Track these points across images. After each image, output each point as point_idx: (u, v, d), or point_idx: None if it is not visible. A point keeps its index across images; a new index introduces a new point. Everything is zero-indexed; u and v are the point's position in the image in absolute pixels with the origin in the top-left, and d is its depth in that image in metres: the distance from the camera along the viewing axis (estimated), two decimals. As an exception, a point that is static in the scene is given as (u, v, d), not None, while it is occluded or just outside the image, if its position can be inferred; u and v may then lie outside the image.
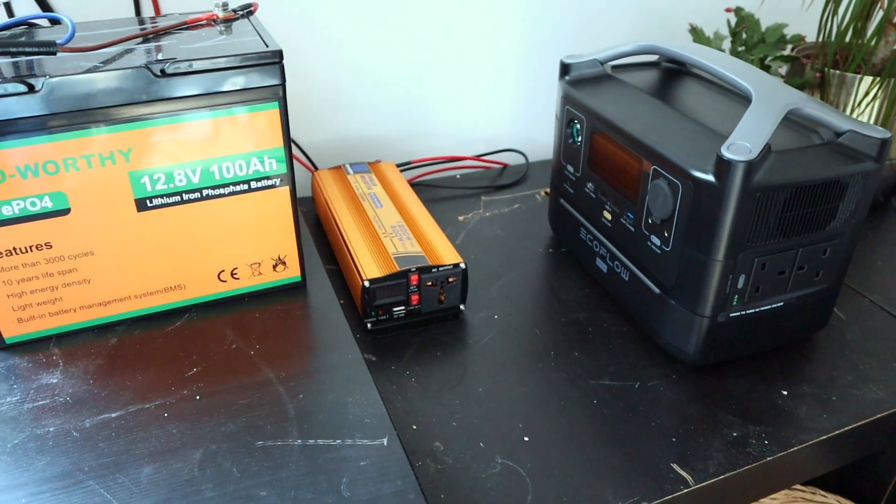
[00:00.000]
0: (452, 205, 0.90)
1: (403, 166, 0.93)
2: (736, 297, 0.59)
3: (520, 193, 0.93)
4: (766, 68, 0.86)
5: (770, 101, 0.58)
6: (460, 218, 0.86)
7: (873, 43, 0.82)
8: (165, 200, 0.58)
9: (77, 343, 0.60)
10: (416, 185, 0.92)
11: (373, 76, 0.93)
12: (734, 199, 0.54)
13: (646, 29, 1.04)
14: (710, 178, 0.55)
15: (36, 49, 0.51)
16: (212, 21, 0.63)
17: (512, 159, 1.01)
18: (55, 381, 0.56)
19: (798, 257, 0.59)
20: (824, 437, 0.58)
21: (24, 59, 0.54)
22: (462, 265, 0.66)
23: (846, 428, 0.59)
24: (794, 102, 0.58)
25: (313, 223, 0.84)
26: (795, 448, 0.57)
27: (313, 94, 0.90)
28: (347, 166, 0.84)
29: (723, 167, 0.54)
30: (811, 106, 0.59)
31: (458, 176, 0.97)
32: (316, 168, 0.88)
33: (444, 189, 0.93)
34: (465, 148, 1.01)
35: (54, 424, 0.52)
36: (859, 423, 0.59)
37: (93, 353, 0.59)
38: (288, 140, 0.59)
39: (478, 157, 0.98)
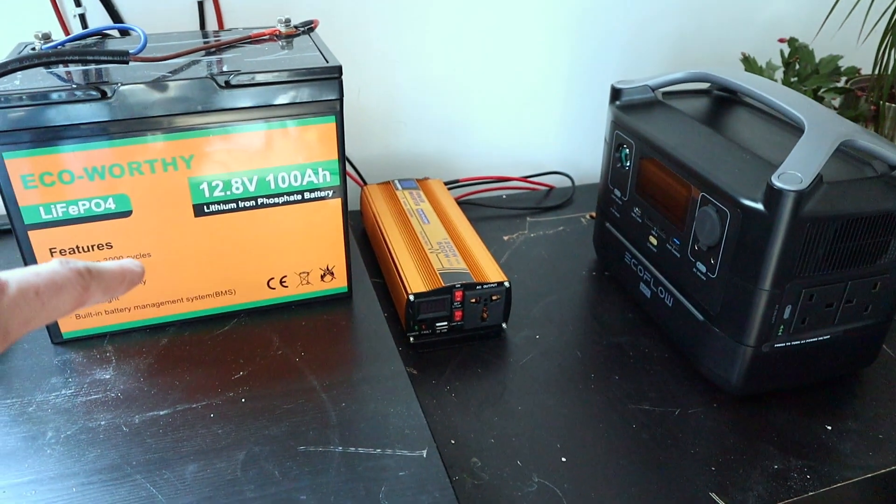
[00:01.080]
0: (498, 224, 0.91)
1: (451, 184, 0.94)
2: (781, 327, 0.59)
3: (565, 216, 0.93)
4: (820, 100, 0.85)
5: (823, 131, 0.57)
6: (505, 237, 0.87)
7: (931, 78, 0.81)
8: (222, 207, 0.60)
9: (130, 341, 0.62)
10: (462, 204, 0.93)
11: (424, 95, 0.95)
12: (783, 228, 0.54)
13: (694, 56, 1.04)
14: (760, 206, 0.55)
15: (109, 57, 0.53)
16: (274, 36, 0.65)
17: (558, 182, 1.01)
18: (108, 376, 0.58)
19: (847, 290, 0.59)
20: (869, 476, 0.57)
21: (97, 66, 0.56)
22: (506, 283, 0.67)
23: (893, 467, 0.57)
24: (848, 134, 0.58)
25: (360, 236, 0.85)
26: (839, 484, 0.56)
27: (365, 110, 0.92)
28: (396, 182, 0.85)
29: (773, 196, 0.53)
30: (865, 138, 0.58)
31: (504, 196, 0.98)
32: (365, 183, 0.90)
33: (490, 208, 0.94)
34: (512, 169, 1.02)
35: (105, 418, 0.54)
36: (907, 464, 0.58)
37: (144, 352, 0.61)
38: (342, 153, 0.61)
39: (524, 179, 0.99)
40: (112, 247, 0.59)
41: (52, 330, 0.61)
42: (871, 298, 0.60)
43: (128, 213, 0.58)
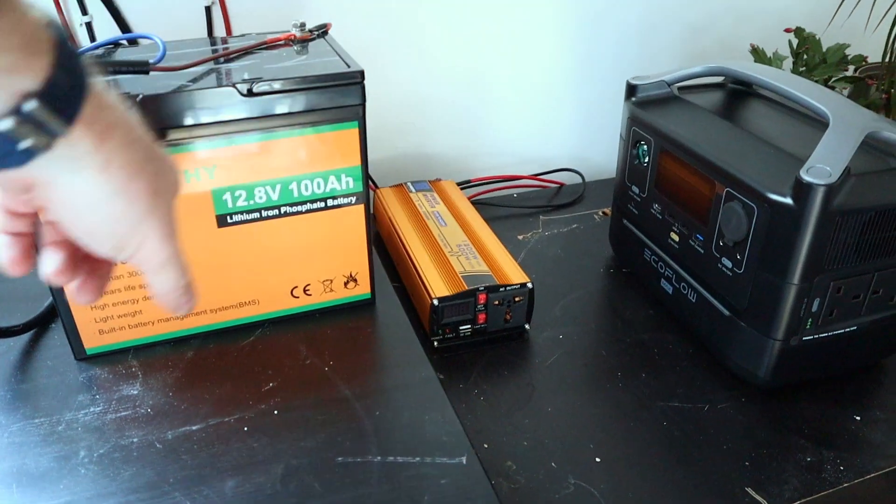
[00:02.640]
0: (511, 223, 0.90)
1: (462, 184, 0.93)
2: (810, 320, 0.59)
3: (578, 213, 0.93)
4: (830, 88, 0.85)
5: (848, 124, 0.57)
6: (520, 237, 0.87)
7: (940, 65, 0.81)
8: (245, 217, 0.59)
9: (154, 355, 0.61)
10: (474, 203, 0.92)
11: (431, 95, 0.94)
12: (813, 222, 0.54)
13: (703, 49, 1.04)
14: (789, 200, 0.55)
15: (131, 68, 0.53)
16: (289, 41, 0.65)
17: (568, 178, 1.01)
18: (135, 392, 0.57)
19: (874, 281, 0.59)
20: (902, 465, 0.57)
21: (118, 77, 0.55)
22: (529, 284, 0.67)
23: (924, 456, 0.58)
24: (873, 125, 0.58)
25: (374, 240, 0.85)
26: (873, 475, 0.56)
27: (375, 112, 0.91)
28: (409, 185, 0.85)
29: (802, 190, 0.53)
30: (890, 129, 0.58)
31: (515, 195, 0.98)
32: (377, 186, 0.89)
33: (502, 208, 0.94)
34: (522, 166, 1.01)
35: (137, 435, 0.53)
36: (937, 452, 0.58)
37: (170, 366, 0.60)
38: (365, 159, 0.60)
39: (534, 177, 0.99)
40: (135, 260, 0.58)
41: (75, 345, 0.60)
42: (896, 288, 0.60)
43: (150, 226, 0.57)
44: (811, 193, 0.53)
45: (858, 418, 0.61)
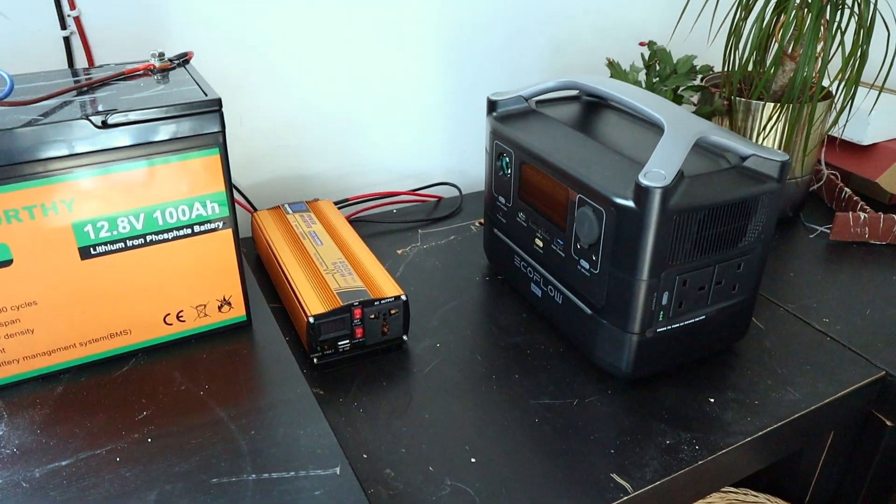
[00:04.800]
0: (391, 239, 0.92)
1: (341, 203, 0.95)
2: (661, 313, 0.63)
3: (455, 225, 0.96)
4: (679, 98, 0.92)
5: (680, 130, 0.62)
6: (399, 251, 0.89)
7: (772, 72, 0.89)
8: (109, 248, 0.59)
9: (21, 394, 0.60)
10: (354, 222, 0.94)
11: (306, 117, 0.95)
12: (653, 222, 0.58)
13: (567, 62, 1.10)
14: (631, 203, 0.59)
15: (-26, 105, 0.52)
16: (149, 71, 0.65)
17: (446, 192, 1.04)
18: (0, 433, 0.56)
19: (715, 273, 0.64)
20: (749, 439, 0.62)
21: (-39, 114, 0.54)
22: (403, 297, 0.69)
23: (768, 429, 0.63)
24: (702, 131, 0.63)
25: (254, 263, 0.85)
26: (724, 451, 0.61)
27: (249, 137, 0.92)
28: (286, 206, 0.86)
29: (641, 193, 0.58)
30: (717, 133, 0.64)
31: (394, 210, 1.00)
32: (255, 209, 0.90)
33: (381, 224, 0.96)
34: (400, 182, 1.04)
35: (2, 476, 0.52)
36: (780, 424, 0.63)
37: (38, 403, 0.59)
38: (229, 184, 0.61)
39: (413, 192, 1.01)
40: (-6, 298, 0.57)
41: (-66, 391, 0.58)
42: (737, 278, 0.66)
43: (8, 263, 0.56)
44: (649, 196, 0.57)
45: (713, 400, 0.66)
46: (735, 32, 0.88)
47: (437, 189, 1.04)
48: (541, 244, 0.72)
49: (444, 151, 1.07)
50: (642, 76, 0.97)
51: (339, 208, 0.88)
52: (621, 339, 0.64)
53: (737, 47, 0.89)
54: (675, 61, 0.94)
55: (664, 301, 0.63)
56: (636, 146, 0.68)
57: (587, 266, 0.66)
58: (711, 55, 0.98)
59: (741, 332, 0.71)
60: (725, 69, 0.91)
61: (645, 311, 0.63)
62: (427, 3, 0.96)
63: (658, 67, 0.94)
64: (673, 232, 0.59)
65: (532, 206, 0.72)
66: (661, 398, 0.66)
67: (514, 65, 1.06)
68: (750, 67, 0.89)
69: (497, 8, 1.01)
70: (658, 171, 0.58)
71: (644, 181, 0.58)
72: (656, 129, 0.72)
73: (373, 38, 0.95)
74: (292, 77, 0.92)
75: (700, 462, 0.59)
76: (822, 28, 0.82)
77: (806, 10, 0.83)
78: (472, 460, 0.59)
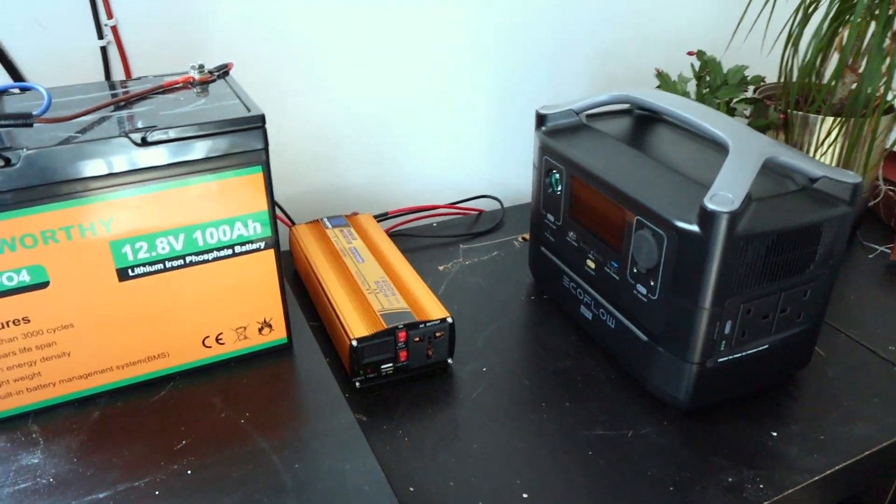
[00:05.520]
0: (431, 254, 0.90)
1: (380, 217, 0.92)
2: (723, 342, 0.60)
3: (497, 240, 0.93)
4: (732, 111, 0.88)
5: (747, 150, 0.59)
6: (440, 268, 0.86)
7: (833, 84, 0.84)
8: (148, 269, 0.56)
9: (57, 419, 0.58)
10: (393, 235, 0.91)
11: (346, 128, 0.93)
12: (719, 248, 0.55)
13: (612, 72, 1.06)
14: (695, 228, 0.56)
15: (12, 122, 0.50)
16: (188, 84, 0.63)
17: (487, 205, 1.01)
18: (36, 461, 0.54)
19: (781, 301, 0.60)
20: (817, 478, 0.58)
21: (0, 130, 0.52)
22: (449, 319, 0.66)
23: (837, 467, 0.59)
24: (770, 151, 0.60)
25: (291, 277, 0.83)
26: (790, 490, 0.57)
27: (286, 148, 0.90)
28: (325, 220, 0.83)
29: (707, 218, 0.54)
30: (785, 153, 0.60)
31: (434, 224, 0.97)
32: (293, 222, 0.87)
33: (421, 238, 0.93)
34: (440, 194, 1.01)
35: (38, 509, 0.50)
36: (849, 462, 0.60)
37: (74, 429, 0.57)
38: (272, 203, 0.59)
39: (452, 205, 0.99)
40: (30, 321, 0.55)
41: (-32, 414, 0.56)
42: (802, 306, 0.62)
43: (45, 285, 0.54)
44: (715, 221, 0.54)
45: (775, 434, 0.63)
46: (794, 42, 0.84)
47: (478, 202, 1.01)
48: (593, 266, 0.69)
49: (485, 163, 1.04)
50: (691, 87, 0.93)
51: (378, 222, 0.85)
52: (680, 369, 0.61)
53: (795, 55, 0.85)
54: (724, 71, 0.91)
55: (727, 330, 0.59)
56: (696, 165, 0.65)
57: (644, 291, 0.62)
58: (763, 65, 0.94)
59: (804, 361, 0.67)
60: (781, 80, 0.87)
61: (706, 340, 0.59)
62: (469, 11, 0.93)
63: (708, 79, 0.91)
64: (739, 259, 0.56)
65: (584, 226, 0.69)
66: (720, 431, 0.63)
67: (556, 73, 1.03)
68: (809, 79, 0.85)
69: (540, 15, 0.98)
70: (725, 194, 0.55)
71: (710, 205, 0.54)
72: (715, 146, 0.68)
73: (413, 47, 0.92)
74: (331, 86, 0.90)
75: (766, 502, 0.56)
76: (887, 39, 0.78)
77: (871, 19, 0.79)
78: (525, 496, 0.56)
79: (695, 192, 0.58)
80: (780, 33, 0.85)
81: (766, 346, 0.62)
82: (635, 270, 0.63)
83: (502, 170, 1.05)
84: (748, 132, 0.62)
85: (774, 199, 0.58)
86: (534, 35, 0.99)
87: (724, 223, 0.54)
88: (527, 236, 0.91)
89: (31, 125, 0.51)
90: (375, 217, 0.88)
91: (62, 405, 0.59)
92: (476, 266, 0.87)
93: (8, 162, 0.49)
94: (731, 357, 0.61)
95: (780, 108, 0.87)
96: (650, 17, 1.06)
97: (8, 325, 0.54)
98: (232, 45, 0.82)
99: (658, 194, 0.60)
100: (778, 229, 0.56)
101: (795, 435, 0.62)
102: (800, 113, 0.85)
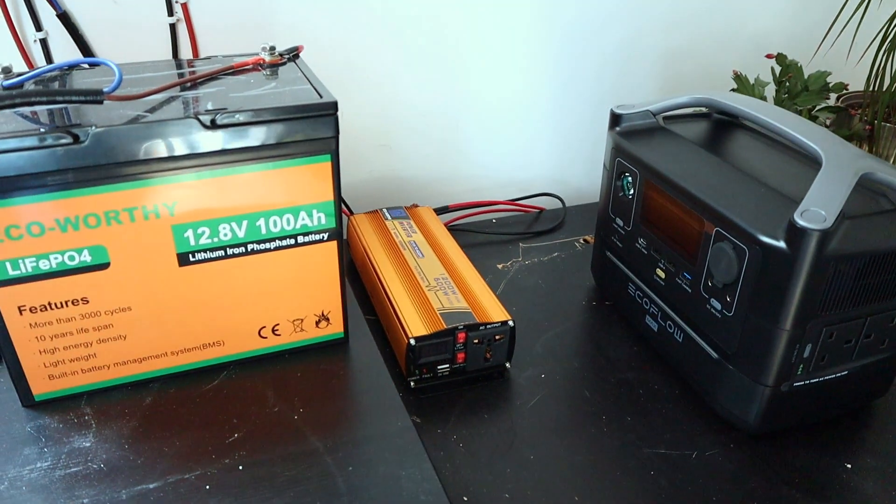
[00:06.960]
0: (490, 251, 0.87)
1: (439, 210, 0.90)
2: (801, 366, 0.57)
3: (558, 240, 0.90)
4: (813, 119, 0.84)
5: (842, 165, 0.55)
6: (499, 266, 0.84)
7: (925, 95, 0.80)
8: (209, 255, 0.55)
9: (110, 401, 0.57)
10: (451, 230, 0.89)
11: (407, 118, 0.91)
12: (807, 267, 0.52)
13: (682, 72, 1.02)
14: (782, 244, 0.52)
15: (83, 98, 0.49)
16: (258, 66, 0.61)
17: (547, 203, 0.98)
18: (88, 444, 0.53)
19: (866, 326, 0.57)
20: (896, 518, 0.55)
21: (68, 107, 0.51)
22: (510, 323, 0.64)
23: (918, 507, 0.56)
24: (867, 167, 0.56)
25: (348, 268, 0.81)
26: (868, 529, 0.54)
27: (348, 135, 0.88)
28: (385, 211, 0.81)
29: (796, 235, 0.51)
30: (883, 170, 0.56)
31: (493, 220, 0.95)
32: (351, 212, 0.86)
33: (480, 234, 0.91)
34: (500, 190, 0.98)
35: (88, 496, 0.49)
36: (931, 503, 0.56)
37: (127, 414, 0.56)
38: (338, 193, 0.57)
39: (513, 202, 0.96)
40: (88, 301, 0.54)
41: (23, 391, 0.56)
42: (888, 332, 0.58)
43: (105, 266, 0.53)
44: (806, 238, 0.51)
45: (849, 466, 0.59)
46: (889, 49, 0.79)
47: (539, 199, 0.98)
48: (663, 275, 0.66)
49: (547, 160, 1.01)
50: (769, 91, 0.89)
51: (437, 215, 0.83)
52: (752, 391, 0.58)
53: (889, 61, 0.80)
54: (805, 77, 0.86)
55: (806, 353, 0.56)
56: (783, 177, 0.61)
57: (719, 307, 0.59)
58: (846, 72, 0.89)
59: (882, 389, 0.64)
60: (871, 90, 0.83)
61: (783, 362, 0.56)
62: (537, 7, 0.90)
63: (788, 84, 0.86)
64: (827, 280, 0.52)
65: (656, 233, 0.66)
66: (790, 458, 0.59)
67: (623, 72, 0.99)
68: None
69: (611, 13, 0.94)
70: (817, 210, 0.51)
71: (801, 221, 0.51)
72: (801, 156, 0.65)
73: (479, 41, 0.89)
74: (394, 77, 0.88)
75: (840, 540, 0.53)
76: None
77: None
78: (582, 514, 0.54)
79: (782, 205, 0.55)
80: (873, 40, 0.81)
81: (846, 373, 0.59)
82: (710, 284, 0.60)
83: (564, 168, 1.02)
84: (843, 144, 0.58)
85: (867, 217, 0.55)
86: (603, 32, 0.95)
87: (814, 241, 0.51)
88: (590, 238, 0.88)
89: (101, 102, 0.49)
90: (434, 210, 0.86)
91: (116, 388, 0.58)
92: (536, 266, 0.84)
93: (77, 139, 0.48)
94: (807, 382, 0.58)
95: (867, 118, 0.82)
96: (724, 18, 1.02)
97: (67, 305, 0.53)
98: (300, 29, 0.80)
99: (741, 205, 0.57)
100: (871, 251, 0.53)
101: (871, 469, 0.59)
102: (887, 125, 0.80)
